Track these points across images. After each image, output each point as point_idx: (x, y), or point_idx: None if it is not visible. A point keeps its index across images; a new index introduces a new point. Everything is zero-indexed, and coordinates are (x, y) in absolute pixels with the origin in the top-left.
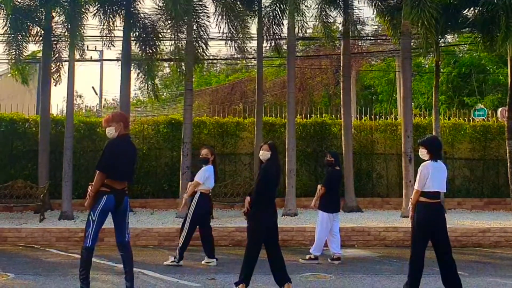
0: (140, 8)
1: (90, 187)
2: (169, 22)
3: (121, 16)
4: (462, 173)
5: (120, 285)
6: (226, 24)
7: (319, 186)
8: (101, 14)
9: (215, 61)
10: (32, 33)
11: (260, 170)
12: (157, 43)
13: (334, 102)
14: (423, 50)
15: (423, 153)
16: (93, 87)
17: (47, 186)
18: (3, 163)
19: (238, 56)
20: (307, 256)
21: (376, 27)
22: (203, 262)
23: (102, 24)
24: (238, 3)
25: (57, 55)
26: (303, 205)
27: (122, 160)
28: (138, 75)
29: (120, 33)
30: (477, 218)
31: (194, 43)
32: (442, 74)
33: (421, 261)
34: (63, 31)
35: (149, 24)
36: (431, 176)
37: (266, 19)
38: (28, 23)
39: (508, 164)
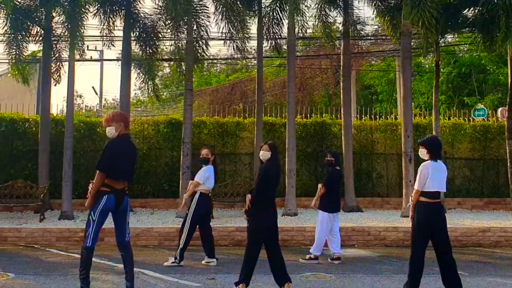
0: (140, 8)
1: (91, 184)
2: (169, 22)
3: (121, 16)
4: (462, 173)
5: (120, 285)
6: (226, 24)
7: (319, 185)
8: (101, 14)
9: (215, 61)
10: (32, 33)
11: (260, 170)
12: (157, 43)
13: (334, 102)
14: (423, 50)
15: (423, 153)
16: (93, 87)
17: (47, 186)
18: (3, 163)
19: (238, 56)
20: (307, 256)
21: (376, 27)
22: (203, 262)
23: (102, 24)
24: (238, 2)
25: (57, 55)
26: (303, 205)
27: (122, 160)
28: (138, 75)
29: (120, 33)
30: (477, 218)
31: (194, 43)
32: (442, 74)
33: (421, 261)
34: (63, 31)
35: (149, 24)
36: (431, 176)
37: (266, 19)
38: (28, 23)
39: (508, 164)
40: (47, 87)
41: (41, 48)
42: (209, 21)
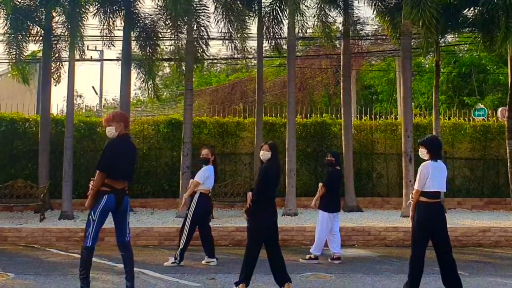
0: (140, 8)
1: (91, 182)
2: (169, 21)
3: (121, 16)
4: (462, 172)
5: (120, 285)
6: (226, 24)
7: (320, 184)
8: (101, 14)
9: (215, 61)
10: (32, 33)
11: (260, 170)
12: (157, 43)
13: (334, 101)
14: (424, 49)
15: (423, 153)
16: (93, 87)
17: (47, 186)
18: (4, 162)
19: (238, 56)
20: (307, 256)
21: (376, 27)
22: (203, 262)
23: (102, 24)
24: (238, 2)
25: (57, 55)
26: (303, 204)
27: (122, 160)
28: (138, 74)
29: (120, 33)
30: (477, 217)
31: (194, 43)
32: (442, 74)
33: (421, 261)
34: (63, 31)
35: (149, 24)
36: (431, 176)
37: (266, 19)
38: (28, 23)
39: (508, 164)
40: (47, 87)
41: (41, 48)
42: (209, 21)
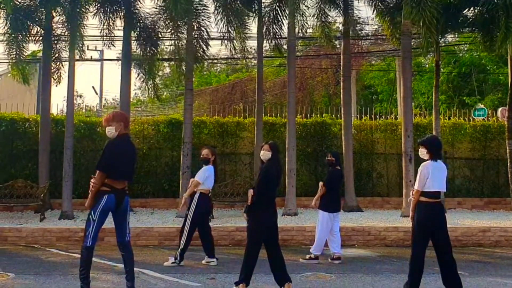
0: (140, 7)
1: (92, 180)
2: (170, 21)
3: (121, 16)
4: (462, 172)
5: (120, 285)
6: (226, 24)
7: (321, 184)
8: (101, 14)
9: (215, 61)
10: (32, 32)
11: (260, 170)
12: (157, 43)
13: (334, 101)
14: (424, 49)
15: (423, 152)
16: (93, 87)
17: (48, 186)
18: (4, 162)
19: (238, 56)
20: (307, 256)
21: (376, 26)
22: (203, 261)
23: (102, 23)
24: (238, 2)
25: (57, 55)
26: (303, 204)
27: (122, 160)
28: (138, 74)
29: (120, 33)
30: (477, 217)
31: (195, 43)
32: (442, 74)
33: (422, 261)
34: (63, 31)
35: (149, 23)
36: (431, 176)
37: (266, 19)
38: (29, 23)
39: (508, 164)
40: (47, 87)
41: (41, 48)
42: (209, 21)
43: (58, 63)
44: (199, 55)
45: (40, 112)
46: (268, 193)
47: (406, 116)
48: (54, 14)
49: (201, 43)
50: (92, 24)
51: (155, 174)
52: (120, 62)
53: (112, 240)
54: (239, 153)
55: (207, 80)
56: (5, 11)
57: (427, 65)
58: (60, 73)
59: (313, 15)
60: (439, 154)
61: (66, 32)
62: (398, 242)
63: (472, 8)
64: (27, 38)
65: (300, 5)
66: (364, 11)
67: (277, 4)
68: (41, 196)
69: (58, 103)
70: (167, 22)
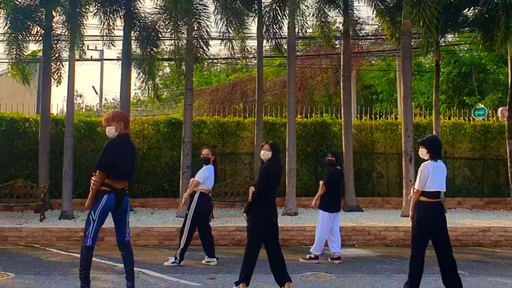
0: (140, 7)
1: (93, 177)
2: (170, 21)
3: (121, 16)
4: (462, 172)
5: (120, 285)
6: (226, 24)
7: (321, 183)
8: (101, 13)
9: (215, 61)
10: (32, 32)
11: (260, 170)
12: (157, 43)
13: (335, 101)
14: (424, 49)
15: (423, 152)
16: (93, 87)
17: (48, 186)
18: (4, 162)
19: (238, 55)
20: (308, 256)
21: (376, 26)
22: (203, 261)
23: (102, 23)
24: (238, 2)
25: (57, 54)
26: (304, 204)
27: (122, 159)
28: (138, 74)
29: (121, 33)
30: (477, 217)
31: (195, 43)
32: (442, 74)
33: (422, 261)
34: (63, 31)
35: (149, 23)
36: (431, 176)
37: (266, 19)
38: (29, 23)
39: (508, 164)
40: (47, 87)
41: (41, 48)
42: (209, 21)
43: (58, 63)
44: (199, 55)
45: (40, 112)
46: (268, 193)
47: (406, 116)
48: (54, 14)
49: (201, 43)
50: (92, 24)
51: (155, 174)
52: (120, 62)
53: (112, 240)
54: (239, 153)
55: (207, 80)
56: (5, 11)
57: (427, 65)
58: (60, 73)
59: (313, 15)
60: (439, 154)
61: (66, 32)
62: (398, 242)
63: (472, 8)
64: (27, 38)
65: (300, 5)
66: (364, 11)
67: (277, 4)
68: (41, 196)
69: (58, 103)
70: (167, 22)
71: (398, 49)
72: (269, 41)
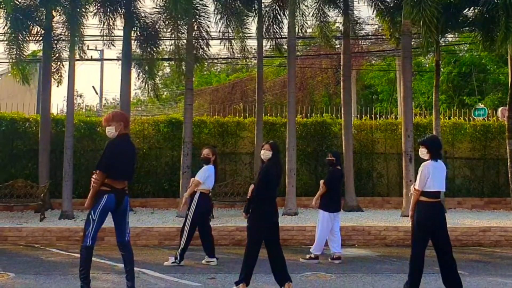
0: (140, 7)
1: (94, 176)
2: (170, 21)
3: (122, 16)
4: (462, 172)
5: (120, 284)
6: (226, 24)
7: (321, 182)
8: (101, 13)
9: (215, 61)
10: (32, 32)
11: (261, 170)
12: (157, 43)
13: (335, 101)
14: (424, 49)
15: (423, 152)
16: (93, 87)
17: (48, 186)
18: (4, 162)
19: (239, 55)
20: (308, 256)
21: (376, 26)
22: (203, 261)
23: (103, 23)
24: (238, 2)
25: (57, 54)
26: (304, 204)
27: (122, 159)
28: (138, 74)
29: (121, 33)
30: (477, 217)
31: (195, 43)
32: (442, 74)
33: (422, 261)
34: (64, 31)
35: (149, 23)
36: (432, 175)
37: (266, 19)
38: (29, 23)
39: (508, 164)
40: (47, 87)
41: (41, 48)
42: (209, 21)
43: (58, 63)
44: (199, 54)
45: (40, 112)
46: (269, 193)
47: (406, 116)
48: (54, 14)
49: (201, 43)
50: (92, 24)
51: (155, 174)
52: (120, 62)
53: (112, 240)
54: (239, 153)
55: (207, 79)
56: (5, 11)
57: (427, 65)
58: (60, 73)
59: (313, 15)
60: (439, 154)
61: (66, 32)
62: (398, 242)
63: (472, 8)
64: (27, 38)
65: (300, 5)
66: (364, 11)
67: (277, 4)
68: (41, 196)
69: (58, 103)
70: (167, 22)
71: (398, 49)
72: (269, 41)
